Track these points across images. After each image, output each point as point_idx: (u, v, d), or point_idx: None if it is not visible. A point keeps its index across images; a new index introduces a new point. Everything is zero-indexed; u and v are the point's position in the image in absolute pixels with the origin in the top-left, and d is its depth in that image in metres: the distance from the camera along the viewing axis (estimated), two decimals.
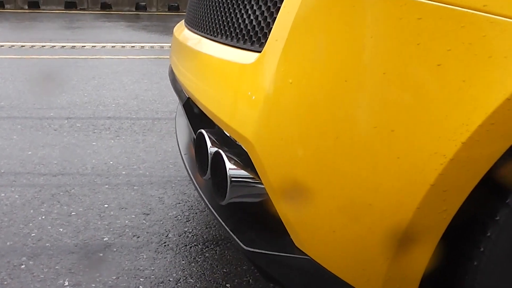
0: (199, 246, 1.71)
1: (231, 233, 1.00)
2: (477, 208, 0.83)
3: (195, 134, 1.24)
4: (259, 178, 0.93)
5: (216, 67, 1.06)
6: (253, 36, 0.95)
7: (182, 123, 1.67)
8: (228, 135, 1.07)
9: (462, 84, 0.73)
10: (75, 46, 5.94)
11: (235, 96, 0.95)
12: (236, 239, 0.98)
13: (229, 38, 1.05)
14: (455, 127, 0.73)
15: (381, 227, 0.81)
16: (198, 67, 1.17)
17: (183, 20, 1.66)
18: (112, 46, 6.08)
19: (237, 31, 1.02)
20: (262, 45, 0.90)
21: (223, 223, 1.03)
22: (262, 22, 0.93)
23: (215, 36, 1.13)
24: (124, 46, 6.13)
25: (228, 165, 0.98)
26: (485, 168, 0.76)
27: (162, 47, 6.20)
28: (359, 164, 0.80)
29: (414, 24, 0.74)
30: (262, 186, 0.94)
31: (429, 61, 0.74)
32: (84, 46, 5.98)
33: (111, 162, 2.43)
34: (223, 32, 1.09)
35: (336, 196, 0.83)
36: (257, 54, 0.91)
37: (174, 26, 1.74)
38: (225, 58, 1.02)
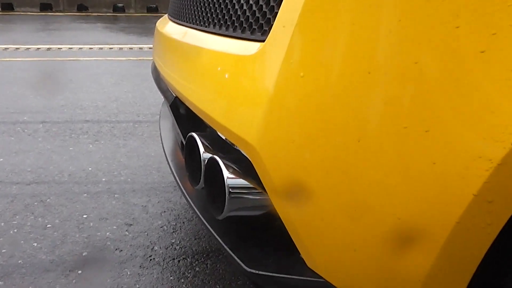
0: (188, 259, 1.57)
1: (230, 251, 0.86)
2: None
3: (184, 138, 1.10)
4: (263, 188, 0.80)
5: (209, 61, 0.93)
6: (254, 24, 0.81)
7: (167, 126, 1.53)
8: (224, 138, 0.94)
9: (510, 74, 0.61)
10: (50, 48, 5.73)
11: (233, 93, 0.82)
12: (237, 259, 0.84)
13: (224, 28, 0.91)
14: (503, 125, 0.61)
15: (413, 245, 0.69)
16: (187, 62, 1.04)
17: (167, 14, 1.52)
18: (90, 48, 5.89)
19: (233, 18, 0.88)
20: (265, 33, 0.77)
21: (220, 240, 0.89)
22: (264, 6, 0.80)
23: (206, 26, 1.00)
24: (102, 48, 5.94)
25: (226, 173, 0.85)
26: None
27: (141, 48, 6.03)
28: (387, 171, 0.67)
29: (451, 2, 0.62)
30: (266, 197, 0.81)
31: (471, 47, 0.62)
32: (61, 48, 5.77)
33: (90, 169, 2.27)
34: (216, 21, 0.96)
35: (358, 208, 0.70)
36: (259, 44, 0.77)
37: (154, 28, 1.59)
38: (219, 50, 0.88)
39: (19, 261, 1.53)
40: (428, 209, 0.66)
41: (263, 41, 0.76)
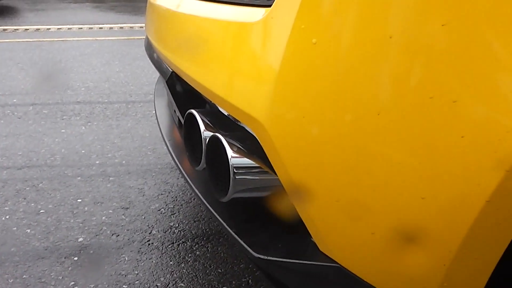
0: (187, 243, 1.51)
1: (236, 236, 0.81)
2: None
3: (183, 116, 1.03)
4: (271, 167, 0.73)
5: (208, 31, 0.85)
6: None
7: (163, 104, 1.46)
8: (226, 115, 0.87)
9: None
10: (39, 29, 5.59)
11: (237, 65, 0.75)
12: (244, 245, 0.79)
13: None
14: None
15: (438, 226, 0.63)
16: (185, 34, 0.96)
17: None
18: (79, 28, 5.75)
19: None
20: None
21: (225, 224, 0.83)
22: None
23: None
24: (91, 28, 5.80)
25: (230, 152, 0.78)
26: None
27: (132, 27, 5.90)
28: (408, 146, 0.61)
29: None
30: (275, 177, 0.75)
31: (504, 5, 0.55)
32: (49, 29, 5.63)
33: (83, 151, 2.20)
34: None
35: (379, 186, 0.64)
36: (264, 9, 0.70)
37: (145, 7, 1.51)
38: (220, 19, 0.81)
39: (12, 249, 1.47)
40: (455, 187, 0.60)
41: (269, 6, 0.69)
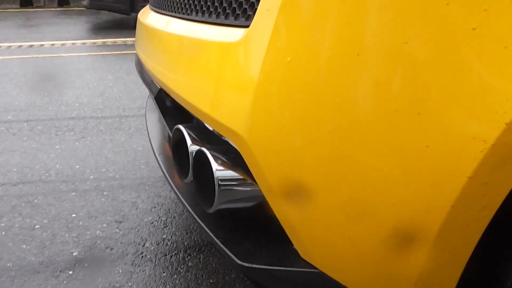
0: (180, 254, 1.54)
1: (221, 245, 0.84)
2: None
3: (171, 131, 1.07)
4: (253, 179, 0.77)
5: (192, 50, 0.90)
6: (237, 9, 0.79)
7: (153, 119, 1.50)
8: (211, 129, 0.91)
9: (504, 51, 0.59)
10: (33, 45, 5.64)
11: (219, 82, 0.79)
12: (229, 253, 0.82)
13: (207, 14, 0.88)
14: (497, 104, 0.59)
15: (409, 230, 0.67)
16: (171, 52, 1.00)
17: (148, 4, 1.48)
18: (72, 43, 5.80)
19: (216, 4, 0.85)
20: (249, 18, 0.75)
21: (211, 234, 0.87)
22: None
23: (188, 14, 0.97)
24: (85, 43, 5.85)
25: (215, 165, 0.82)
26: None
27: (124, 42, 5.95)
28: (379, 156, 0.65)
29: None
30: (257, 188, 0.78)
31: (462, 25, 0.59)
32: (43, 45, 5.67)
33: (77, 166, 2.23)
34: (198, 8, 0.92)
35: (351, 195, 0.68)
36: (243, 30, 0.75)
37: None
38: (203, 38, 0.85)
39: (8, 264, 1.49)
40: (423, 193, 0.64)
41: (248, 26, 0.74)
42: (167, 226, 1.71)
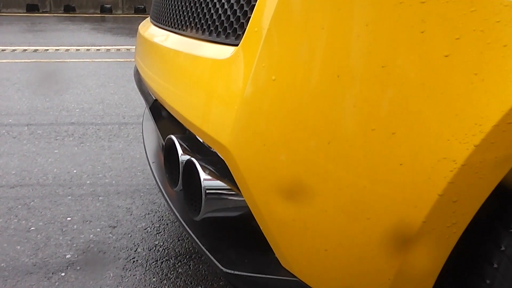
0: (171, 260, 1.57)
1: (207, 252, 0.88)
2: (491, 220, 0.73)
3: (164, 140, 1.11)
4: (238, 189, 0.81)
5: (185, 64, 0.94)
6: (228, 28, 0.83)
7: (149, 128, 1.54)
8: (201, 141, 0.95)
9: (474, 77, 0.63)
10: (37, 50, 5.70)
11: (208, 96, 0.83)
12: (213, 260, 0.86)
13: (200, 32, 0.93)
14: (466, 128, 0.63)
15: (382, 244, 0.70)
16: (166, 65, 1.05)
17: (149, 17, 1.53)
18: (77, 49, 5.86)
19: (209, 23, 0.90)
20: (238, 37, 0.79)
21: (197, 241, 0.90)
22: (238, 11, 0.81)
23: (184, 30, 1.01)
24: (89, 49, 5.92)
25: (203, 175, 0.86)
26: (500, 175, 0.66)
27: (128, 49, 6.02)
28: (355, 172, 0.69)
29: (417, 8, 0.64)
30: (242, 198, 0.82)
31: (435, 52, 0.64)
32: (47, 50, 5.74)
33: (75, 171, 2.27)
34: (193, 25, 0.97)
35: (328, 209, 0.72)
36: (233, 48, 0.79)
37: None
38: (196, 54, 0.90)
39: (2, 264, 1.53)
40: (396, 209, 0.68)
41: (237, 45, 0.78)
42: (159, 233, 1.74)
